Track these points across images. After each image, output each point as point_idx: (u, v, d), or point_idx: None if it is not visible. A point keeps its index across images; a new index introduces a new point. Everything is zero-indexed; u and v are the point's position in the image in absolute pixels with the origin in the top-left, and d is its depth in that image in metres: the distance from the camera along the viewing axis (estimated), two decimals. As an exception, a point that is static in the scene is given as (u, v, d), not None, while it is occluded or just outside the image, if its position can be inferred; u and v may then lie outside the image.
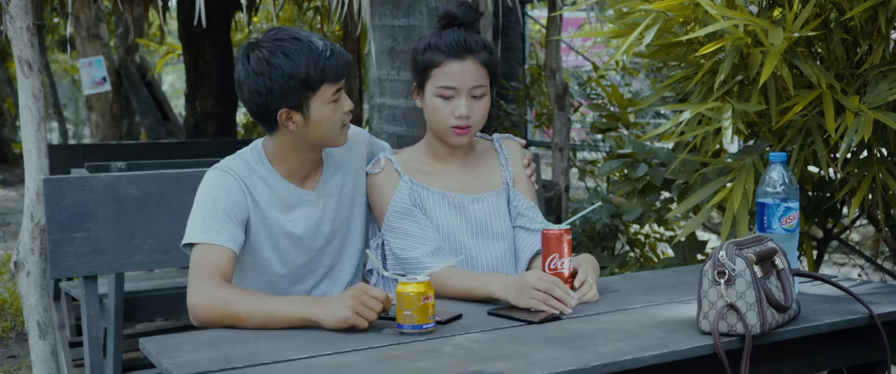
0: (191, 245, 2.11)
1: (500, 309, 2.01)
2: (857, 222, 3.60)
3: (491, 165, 2.39)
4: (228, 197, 2.13)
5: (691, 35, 2.58)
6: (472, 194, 2.33)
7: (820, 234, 3.37)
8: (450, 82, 2.22)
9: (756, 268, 1.78)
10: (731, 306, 1.76)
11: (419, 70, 2.27)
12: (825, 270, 4.25)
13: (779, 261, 1.86)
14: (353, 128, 2.33)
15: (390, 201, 2.28)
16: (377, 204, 2.31)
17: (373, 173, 2.33)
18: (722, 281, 1.76)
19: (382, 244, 2.33)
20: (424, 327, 1.84)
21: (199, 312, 1.99)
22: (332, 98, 2.13)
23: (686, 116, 2.60)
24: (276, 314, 1.92)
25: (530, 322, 1.92)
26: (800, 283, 2.13)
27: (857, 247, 4.54)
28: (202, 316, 2.00)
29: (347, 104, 2.18)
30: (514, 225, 2.35)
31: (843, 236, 3.64)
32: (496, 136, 2.47)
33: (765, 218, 2.07)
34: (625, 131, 4.71)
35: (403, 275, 2.14)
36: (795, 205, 2.07)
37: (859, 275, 4.77)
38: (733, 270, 1.76)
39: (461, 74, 2.22)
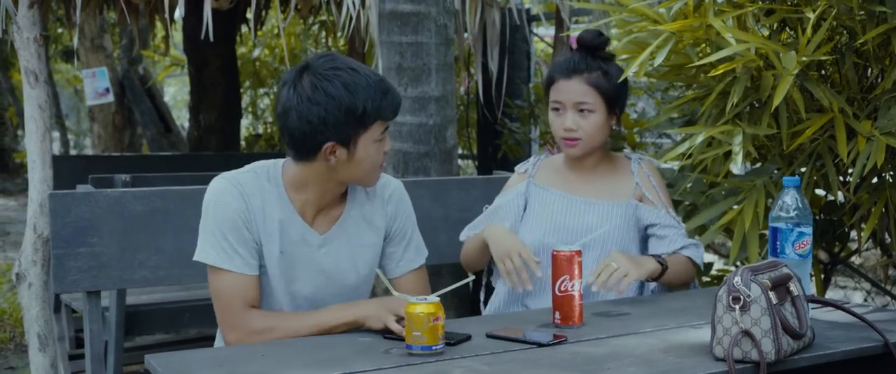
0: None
1: (502, 331, 1.98)
2: (864, 246, 3.59)
3: (620, 179, 2.55)
4: (235, 214, 2.04)
5: (704, 60, 2.56)
6: (585, 198, 2.50)
7: (826, 257, 3.35)
8: (557, 97, 2.46)
9: (771, 294, 1.75)
10: (746, 333, 1.73)
11: (545, 88, 2.52)
12: (830, 293, 4.23)
13: (793, 287, 1.83)
14: (400, 189, 2.27)
15: (501, 194, 2.60)
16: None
17: (516, 171, 2.64)
18: (737, 307, 1.74)
19: None
20: (434, 348, 1.82)
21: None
22: (380, 137, 2.06)
23: (700, 139, 2.58)
24: (320, 326, 1.99)
25: (539, 344, 1.90)
26: (811, 309, 2.11)
27: (862, 270, 4.52)
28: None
29: (388, 144, 2.10)
30: (648, 234, 2.52)
31: (849, 261, 3.62)
32: (635, 155, 2.62)
33: (778, 243, 2.05)
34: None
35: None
36: (809, 230, 2.05)
37: (865, 299, 4.75)
38: (748, 296, 1.74)
39: (567, 90, 2.44)
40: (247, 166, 2.13)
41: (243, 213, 2.05)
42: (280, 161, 2.14)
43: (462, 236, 2.58)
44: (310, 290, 2.15)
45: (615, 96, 2.47)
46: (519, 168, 2.62)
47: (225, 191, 2.06)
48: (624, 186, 2.54)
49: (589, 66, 2.44)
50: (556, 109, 2.46)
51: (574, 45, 2.50)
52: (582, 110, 2.43)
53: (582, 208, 2.49)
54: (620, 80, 2.46)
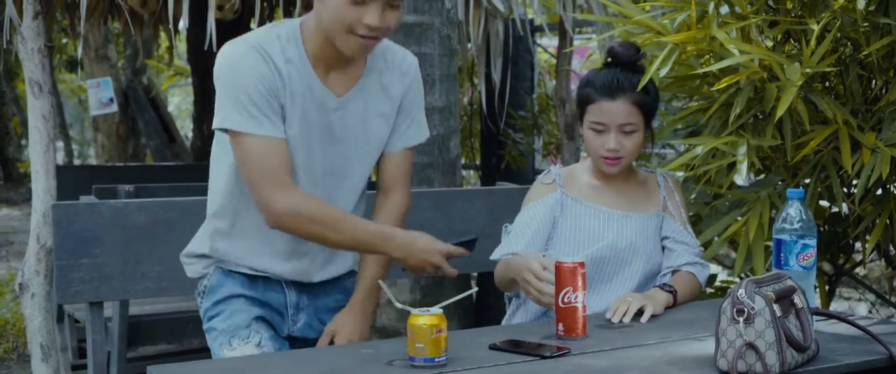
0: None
1: (504, 343, 1.97)
2: (869, 258, 3.58)
3: (649, 192, 2.53)
4: (260, 78, 1.95)
5: (707, 68, 2.56)
6: (622, 212, 2.46)
7: (830, 269, 3.34)
8: (600, 118, 2.38)
9: (775, 306, 1.75)
10: (750, 346, 1.73)
11: (578, 103, 2.45)
12: (834, 305, 4.22)
13: (798, 300, 1.83)
14: (415, 65, 2.22)
15: (530, 204, 2.48)
16: (523, 204, 2.53)
17: (539, 182, 2.52)
18: (741, 319, 1.73)
19: None
20: (437, 360, 1.81)
21: (288, 222, 1.98)
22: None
23: (703, 150, 2.58)
24: (368, 245, 2.08)
25: (543, 356, 1.89)
26: (815, 321, 2.10)
27: (866, 282, 4.51)
28: (289, 227, 1.99)
29: (371, 18, 1.92)
30: (662, 246, 2.50)
31: (854, 272, 3.61)
32: (660, 170, 2.60)
33: (782, 255, 2.04)
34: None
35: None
36: (813, 242, 2.04)
37: (870, 311, 4.73)
38: (752, 308, 1.73)
39: (611, 112, 2.37)
40: (260, 29, 2.03)
41: (269, 76, 1.96)
42: (297, 20, 2.05)
43: (495, 256, 2.45)
44: (320, 154, 2.09)
45: (654, 112, 2.46)
46: (544, 179, 2.52)
47: (247, 54, 1.96)
48: (653, 199, 2.52)
49: (631, 83, 2.38)
50: (598, 130, 2.39)
51: (611, 58, 2.44)
52: (625, 131, 2.38)
53: (620, 221, 2.46)
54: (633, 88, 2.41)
